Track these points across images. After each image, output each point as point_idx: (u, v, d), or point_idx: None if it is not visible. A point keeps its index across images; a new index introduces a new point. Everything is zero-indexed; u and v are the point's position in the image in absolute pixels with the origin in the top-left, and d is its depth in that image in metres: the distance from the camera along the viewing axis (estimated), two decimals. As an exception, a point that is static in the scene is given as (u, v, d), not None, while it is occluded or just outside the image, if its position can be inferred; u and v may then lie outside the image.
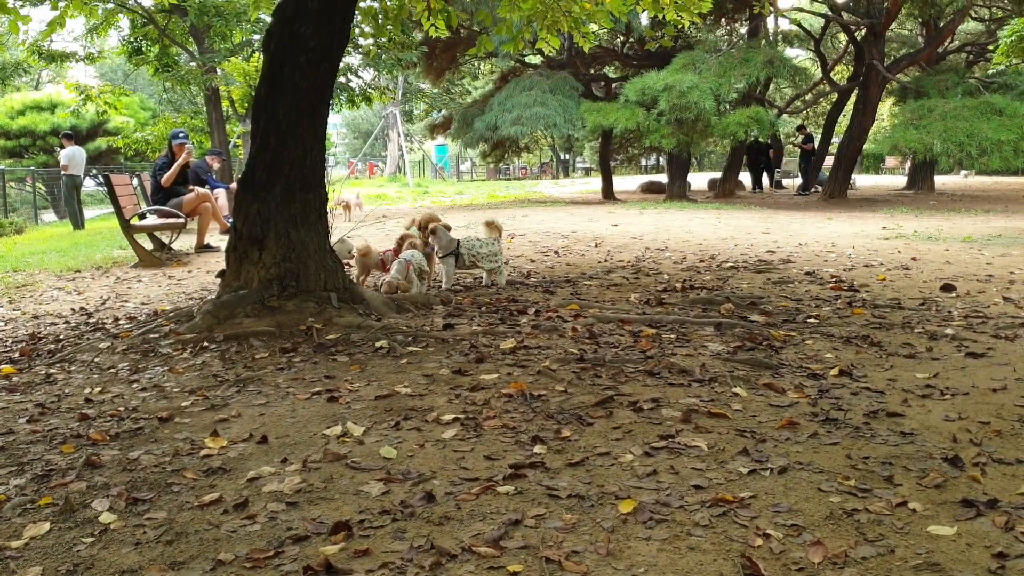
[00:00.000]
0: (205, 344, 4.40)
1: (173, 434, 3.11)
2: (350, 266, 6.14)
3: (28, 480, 2.69)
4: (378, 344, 4.31)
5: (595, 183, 27.89)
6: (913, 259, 7.58)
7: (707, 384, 3.57)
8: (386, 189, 29.19)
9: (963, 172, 30.32)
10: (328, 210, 5.12)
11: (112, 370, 4.14)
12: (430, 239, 6.08)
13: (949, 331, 4.51)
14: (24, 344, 4.96)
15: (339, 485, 2.57)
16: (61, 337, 5.11)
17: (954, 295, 5.67)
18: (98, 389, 3.78)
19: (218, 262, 8.77)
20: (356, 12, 5.86)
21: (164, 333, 4.67)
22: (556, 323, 4.83)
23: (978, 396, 3.36)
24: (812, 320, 4.85)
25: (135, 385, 3.84)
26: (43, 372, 4.20)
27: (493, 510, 2.37)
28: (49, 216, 23.48)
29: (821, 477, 2.55)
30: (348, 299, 4.93)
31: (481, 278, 6.43)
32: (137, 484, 2.62)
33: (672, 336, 4.49)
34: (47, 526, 2.35)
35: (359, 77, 18.05)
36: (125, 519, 2.38)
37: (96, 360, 4.34)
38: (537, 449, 2.82)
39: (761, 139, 19.72)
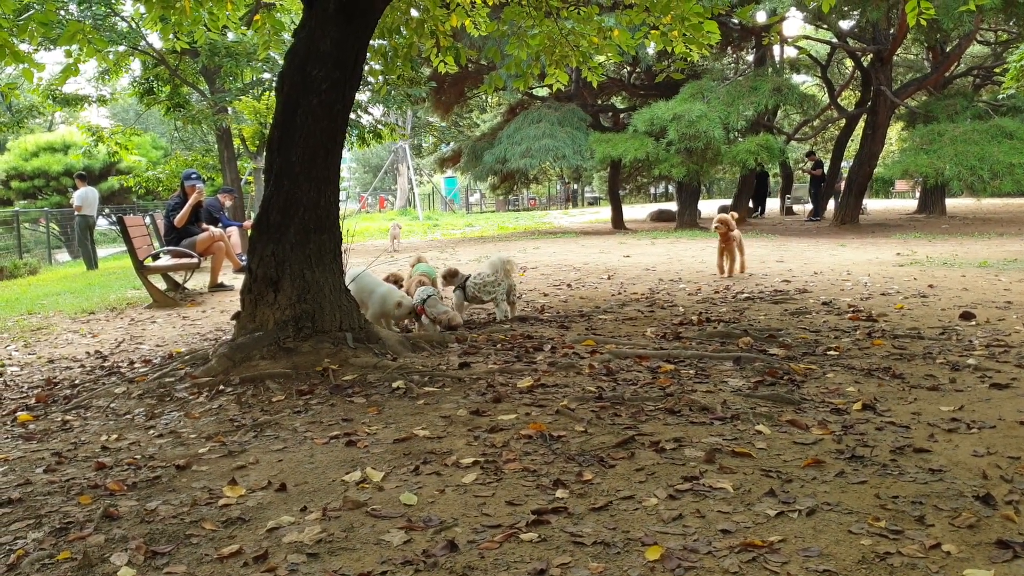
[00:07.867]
0: (221, 387, 4.39)
1: (191, 483, 3.08)
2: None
3: (46, 533, 2.66)
4: (395, 385, 4.29)
5: (604, 212, 27.96)
6: (930, 286, 7.52)
7: (729, 422, 3.52)
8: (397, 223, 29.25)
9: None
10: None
11: (128, 416, 4.12)
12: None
13: (971, 361, 4.45)
14: (40, 390, 4.96)
15: (360, 534, 2.53)
16: (77, 382, 5.10)
17: (974, 323, 5.60)
18: (114, 436, 3.76)
19: (232, 301, 8.79)
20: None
21: (179, 377, 4.66)
22: (572, 360, 4.80)
23: (1005, 429, 3.30)
24: (832, 352, 4.80)
25: (151, 431, 3.81)
26: (59, 419, 4.18)
27: (517, 559, 2.33)
28: (63, 256, 23.67)
29: (851, 518, 2.49)
30: (363, 339, 4.92)
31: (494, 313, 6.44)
32: (156, 536, 2.59)
33: (691, 372, 4.44)
34: (66, 582, 2.32)
35: (369, 114, 18.17)
36: (144, 574, 2.34)
37: (112, 406, 4.32)
38: (559, 493, 2.78)
39: (770, 166, 19.72)
